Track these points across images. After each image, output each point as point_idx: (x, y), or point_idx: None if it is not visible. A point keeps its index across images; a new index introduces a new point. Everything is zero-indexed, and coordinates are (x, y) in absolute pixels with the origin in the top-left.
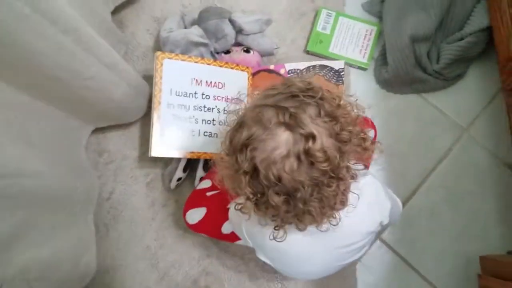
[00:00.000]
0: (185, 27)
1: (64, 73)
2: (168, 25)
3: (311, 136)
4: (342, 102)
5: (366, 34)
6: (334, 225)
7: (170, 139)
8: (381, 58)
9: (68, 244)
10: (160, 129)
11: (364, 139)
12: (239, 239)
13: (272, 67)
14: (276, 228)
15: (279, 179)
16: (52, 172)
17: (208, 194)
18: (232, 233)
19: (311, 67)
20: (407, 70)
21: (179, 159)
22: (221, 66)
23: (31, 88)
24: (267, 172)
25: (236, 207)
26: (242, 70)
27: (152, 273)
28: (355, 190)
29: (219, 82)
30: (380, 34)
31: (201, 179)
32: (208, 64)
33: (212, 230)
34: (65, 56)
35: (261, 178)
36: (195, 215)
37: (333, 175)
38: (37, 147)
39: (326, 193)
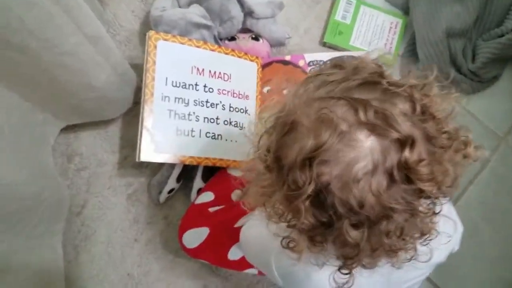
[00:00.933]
0: (180, 7)
1: (33, 40)
2: (159, 3)
3: (409, 142)
4: (435, 90)
5: (391, 27)
6: (409, 260)
7: (164, 139)
8: (409, 55)
9: (28, 273)
10: (152, 127)
11: (466, 144)
12: (250, 266)
13: (288, 58)
14: (344, 272)
15: (361, 205)
16: (8, 177)
17: (212, 209)
18: (242, 259)
19: (336, 58)
20: (440, 68)
21: (172, 166)
22: (227, 54)
23: None
24: (343, 196)
25: (283, 243)
26: (251, 60)
27: None
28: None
29: (224, 73)
30: (406, 28)
31: (199, 191)
32: (212, 50)
33: (216, 256)
34: (37, 17)
35: (330, 204)
36: (195, 237)
37: (430, 195)
38: None
39: (420, 222)
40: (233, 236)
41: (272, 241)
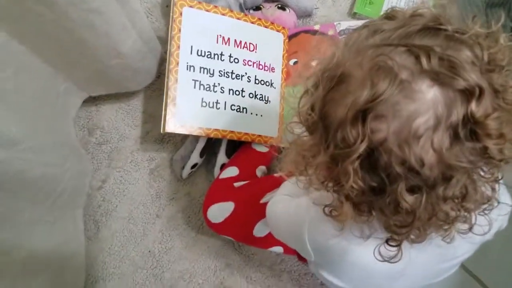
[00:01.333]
0: None
1: None
2: None
3: (477, 93)
4: (502, 39)
5: None
6: (467, 231)
7: (189, 111)
8: None
9: (49, 246)
10: (177, 98)
11: None
12: (275, 244)
13: (317, 27)
14: (393, 244)
15: (421, 164)
16: (31, 141)
17: (236, 185)
18: (268, 236)
19: None
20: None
21: (195, 140)
22: (253, 23)
23: (5, 19)
24: (401, 154)
25: (326, 210)
26: (278, 30)
27: (155, 286)
28: None
29: (250, 43)
30: None
31: (223, 166)
32: (238, 18)
33: (241, 231)
34: None
35: (383, 165)
36: (220, 211)
37: (494, 158)
38: (12, 107)
39: (481, 188)
40: (259, 212)
41: (306, 212)
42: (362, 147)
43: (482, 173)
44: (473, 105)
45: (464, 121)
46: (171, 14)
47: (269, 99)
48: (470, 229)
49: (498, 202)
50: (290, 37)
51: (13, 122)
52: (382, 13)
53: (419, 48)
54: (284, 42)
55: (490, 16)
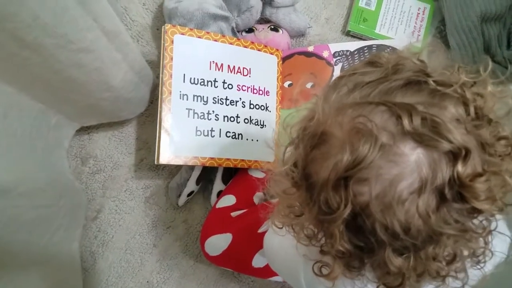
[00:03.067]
0: None
1: (48, 37)
2: None
3: (463, 153)
4: (490, 87)
5: (418, 13)
6: None
7: (183, 141)
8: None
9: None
10: (171, 128)
11: None
12: (275, 274)
13: (311, 49)
14: None
15: (406, 229)
16: (23, 185)
17: (233, 214)
18: (267, 266)
19: (365, 48)
20: (473, 57)
21: (190, 169)
22: (246, 47)
23: None
24: (385, 220)
25: (315, 269)
26: (271, 53)
27: None
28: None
29: (244, 68)
30: (433, 14)
31: (219, 193)
32: (231, 43)
33: (239, 263)
34: (51, 9)
35: (369, 229)
36: (219, 243)
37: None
38: (1, 153)
39: (472, 243)
40: (257, 242)
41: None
42: (345, 213)
43: (473, 228)
44: (459, 167)
45: (450, 183)
46: (162, 42)
47: (264, 123)
48: (464, 285)
49: (492, 254)
50: (284, 59)
51: (3, 168)
52: (376, 31)
53: (400, 107)
54: (278, 64)
55: (486, 33)
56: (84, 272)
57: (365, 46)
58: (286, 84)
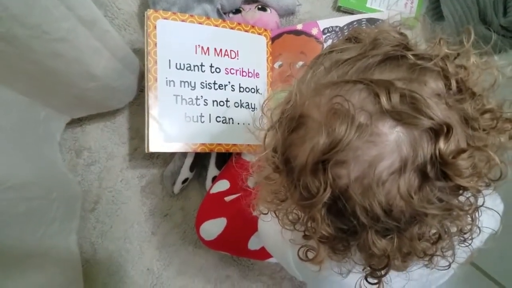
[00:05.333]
0: None
1: (20, 28)
2: None
3: (444, 130)
4: (473, 59)
5: None
6: (448, 266)
7: (173, 128)
8: (432, 14)
9: (42, 280)
10: (159, 115)
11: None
12: (271, 256)
13: (300, 27)
14: (372, 282)
15: (388, 211)
16: (13, 179)
17: (227, 199)
18: (262, 249)
19: (355, 23)
20: (469, 25)
21: (184, 155)
22: (232, 28)
23: None
24: (365, 202)
25: (300, 254)
26: (259, 33)
27: None
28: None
29: (231, 50)
30: None
31: (214, 179)
32: (216, 25)
33: (235, 247)
34: (22, 1)
35: (350, 212)
36: (213, 228)
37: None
38: None
39: (458, 221)
40: (252, 226)
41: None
42: (325, 197)
43: (459, 205)
44: (440, 144)
45: (432, 161)
46: (145, 28)
47: (255, 106)
48: (449, 265)
49: (480, 231)
50: (273, 39)
51: None
52: (367, 5)
53: (378, 84)
54: (267, 45)
55: (481, 0)
56: (85, 262)
57: (354, 21)
58: (276, 65)
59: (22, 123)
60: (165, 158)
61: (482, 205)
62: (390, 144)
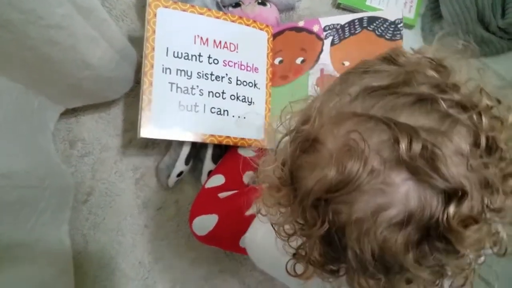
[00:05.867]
0: None
1: (15, 12)
2: None
3: (459, 194)
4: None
5: None
6: None
7: (166, 115)
8: (430, 14)
9: (33, 269)
10: (153, 102)
11: None
12: None
13: (301, 23)
14: None
15: (380, 258)
16: (4, 167)
17: (221, 195)
18: None
19: (356, 21)
20: (467, 26)
21: (179, 148)
22: (233, 21)
23: None
24: (358, 246)
25: (288, 268)
26: (261, 29)
27: None
28: None
29: (230, 43)
30: None
31: (210, 173)
32: (217, 17)
33: (226, 243)
34: None
35: (342, 250)
36: (204, 224)
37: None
38: None
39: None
40: (244, 225)
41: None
42: (321, 232)
43: (456, 264)
44: (451, 209)
45: (438, 223)
46: (146, 16)
47: (252, 101)
48: None
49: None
50: (275, 35)
51: None
52: (367, 3)
53: (401, 129)
54: (268, 41)
55: (479, 1)
56: (77, 254)
57: (355, 19)
58: (276, 61)
59: (15, 111)
60: (160, 151)
61: (481, 264)
62: (399, 196)
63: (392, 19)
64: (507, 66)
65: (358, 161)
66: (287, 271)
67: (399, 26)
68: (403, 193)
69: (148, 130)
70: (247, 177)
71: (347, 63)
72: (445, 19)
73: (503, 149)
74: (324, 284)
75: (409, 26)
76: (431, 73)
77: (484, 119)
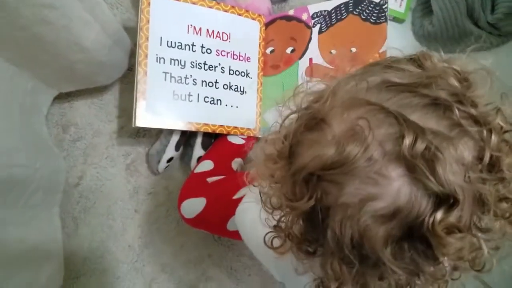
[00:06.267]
0: None
1: None
2: None
3: (450, 202)
4: None
5: None
6: None
7: (160, 104)
8: (421, 8)
9: (24, 247)
10: (147, 91)
11: None
12: None
13: (291, 12)
14: None
15: (358, 245)
16: None
17: (210, 180)
18: None
19: (342, 5)
20: (456, 21)
21: (169, 135)
22: (226, 11)
23: None
24: (339, 229)
25: (267, 239)
26: (253, 18)
27: (137, 280)
28: None
29: (223, 32)
30: None
31: (199, 159)
32: (210, 6)
33: (214, 226)
34: None
35: (323, 230)
36: (193, 207)
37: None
38: None
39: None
40: (231, 208)
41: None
42: (306, 206)
43: (430, 272)
44: (438, 214)
45: (423, 224)
46: (139, 5)
47: (245, 90)
48: None
49: None
50: (267, 25)
51: None
52: None
53: (409, 126)
54: (260, 30)
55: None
56: (67, 237)
57: (341, 4)
58: (268, 51)
59: (9, 91)
60: (151, 137)
61: (457, 279)
62: (390, 189)
63: (377, 0)
64: (496, 62)
65: (358, 146)
66: (265, 243)
67: (383, 7)
68: (396, 188)
69: (143, 119)
70: (235, 163)
71: (334, 52)
72: (435, 14)
73: (504, 172)
74: (298, 264)
75: (400, 20)
76: (453, 82)
77: (493, 137)
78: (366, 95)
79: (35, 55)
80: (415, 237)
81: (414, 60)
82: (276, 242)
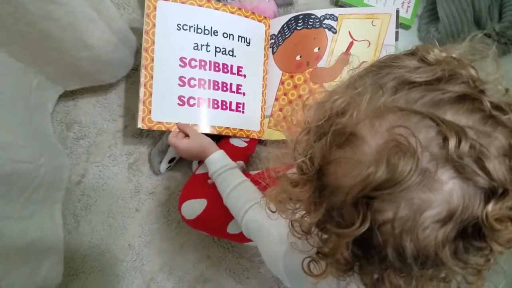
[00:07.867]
0: None
1: None
2: None
3: (500, 192)
4: None
5: None
6: None
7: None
8: (428, 15)
9: (24, 242)
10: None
11: None
12: (250, 240)
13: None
14: None
15: (416, 254)
16: (2, 141)
17: (210, 181)
18: (241, 233)
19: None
20: (463, 28)
21: None
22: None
23: None
24: (399, 242)
25: (304, 266)
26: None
27: (135, 279)
28: None
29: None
30: None
31: (201, 161)
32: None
33: (214, 228)
34: None
35: (377, 244)
36: (193, 208)
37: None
38: None
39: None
40: None
41: (279, 247)
42: (360, 231)
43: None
44: (490, 206)
45: (476, 220)
46: (145, 9)
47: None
48: None
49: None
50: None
51: None
52: (365, 1)
53: (449, 127)
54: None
55: (476, 4)
56: (68, 234)
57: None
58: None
59: (14, 86)
60: (154, 138)
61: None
62: (443, 193)
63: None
64: (506, 71)
65: (410, 160)
66: (303, 270)
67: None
68: (448, 191)
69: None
70: (237, 166)
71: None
72: (441, 21)
73: None
74: (332, 281)
75: (406, 27)
76: (472, 72)
77: None
78: (392, 100)
79: (41, 51)
80: (469, 233)
81: (414, 54)
82: (313, 268)
